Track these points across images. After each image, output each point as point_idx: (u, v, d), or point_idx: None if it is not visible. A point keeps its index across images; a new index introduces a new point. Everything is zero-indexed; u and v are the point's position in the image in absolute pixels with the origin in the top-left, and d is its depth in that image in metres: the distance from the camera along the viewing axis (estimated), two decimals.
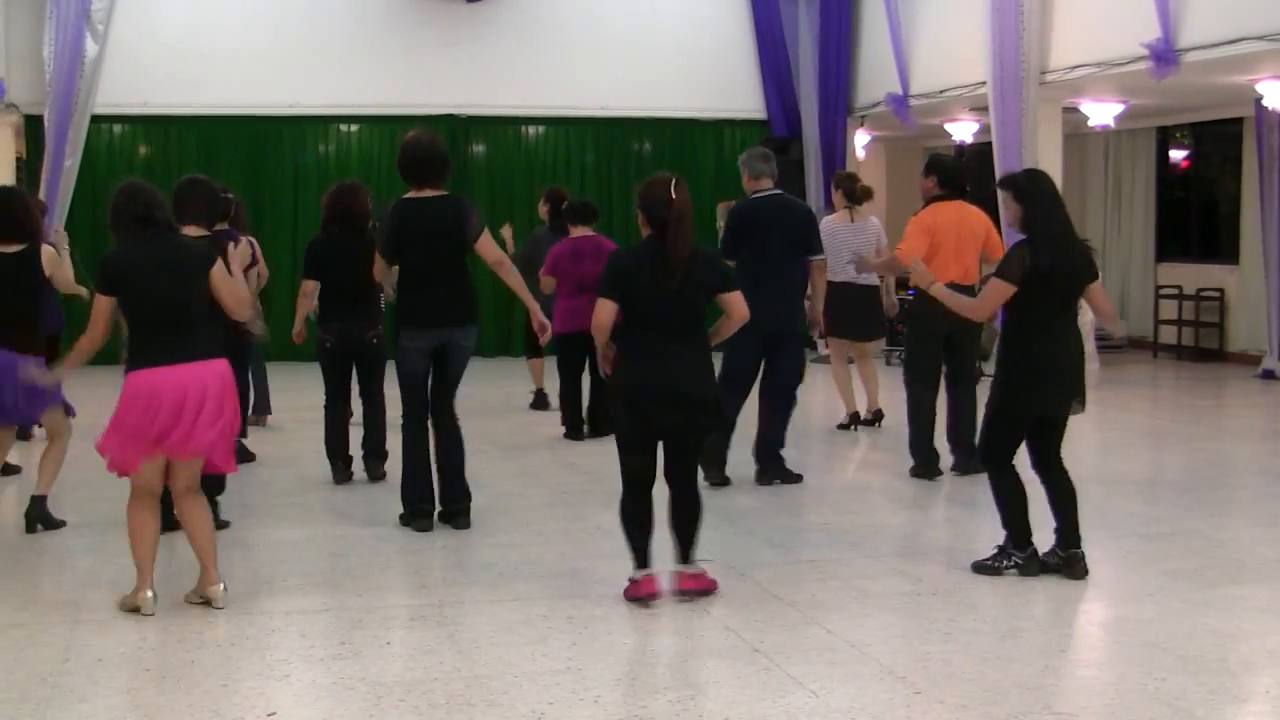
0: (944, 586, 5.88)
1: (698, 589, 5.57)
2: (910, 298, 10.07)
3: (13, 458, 8.33)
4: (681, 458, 5.56)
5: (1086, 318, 9.40)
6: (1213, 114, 14.63)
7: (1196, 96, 13.27)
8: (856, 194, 10.19)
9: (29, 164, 14.21)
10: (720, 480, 7.83)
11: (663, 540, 5.60)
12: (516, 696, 4.50)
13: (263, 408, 10.10)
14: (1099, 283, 5.96)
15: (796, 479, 8.01)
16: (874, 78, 15.30)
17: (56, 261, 6.94)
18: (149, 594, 5.41)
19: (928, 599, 5.69)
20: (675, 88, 15.80)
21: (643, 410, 5.40)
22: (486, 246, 6.76)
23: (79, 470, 7.52)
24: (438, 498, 6.92)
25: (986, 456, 6.10)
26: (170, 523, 5.75)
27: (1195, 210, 16.19)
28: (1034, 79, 12.23)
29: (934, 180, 8.29)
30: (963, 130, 15.23)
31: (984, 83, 12.68)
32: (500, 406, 11.16)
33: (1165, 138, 16.01)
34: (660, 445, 5.53)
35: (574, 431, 9.74)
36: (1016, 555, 5.92)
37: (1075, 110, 13.68)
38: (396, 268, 6.97)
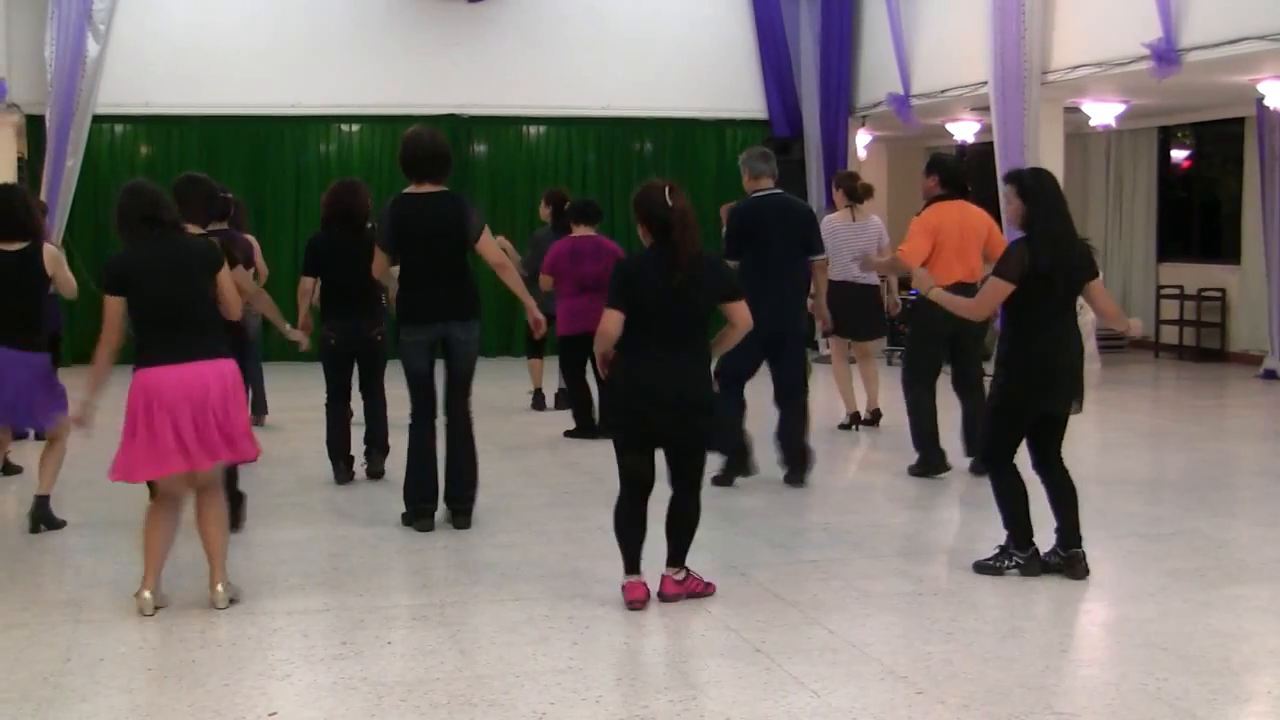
0: (945, 586, 5.89)
1: (682, 593, 5.56)
2: (913, 297, 10.07)
3: (13, 458, 8.34)
4: (680, 461, 5.55)
5: (1087, 317, 9.40)
6: (1214, 114, 14.63)
7: (1198, 96, 13.27)
8: (857, 192, 10.19)
9: (30, 164, 14.21)
10: (726, 480, 7.85)
11: (655, 543, 5.60)
12: (518, 696, 4.50)
13: (260, 407, 10.10)
14: (1099, 282, 5.95)
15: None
16: (875, 77, 15.30)
17: (58, 261, 6.93)
18: (147, 594, 5.42)
19: (929, 599, 5.69)
20: (677, 88, 15.81)
21: (641, 412, 5.39)
22: (488, 247, 6.75)
23: (80, 470, 7.53)
24: (442, 495, 6.92)
25: (987, 456, 6.10)
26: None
27: (1197, 210, 16.19)
28: (1035, 79, 12.23)
29: (935, 180, 8.29)
30: (964, 130, 15.23)
31: (985, 82, 12.68)
32: (503, 406, 11.17)
33: (1167, 138, 16.00)
34: (661, 449, 5.53)
35: (586, 431, 9.71)
36: (1018, 555, 5.93)
37: (1077, 110, 13.68)
38: (397, 268, 6.96)
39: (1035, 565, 5.89)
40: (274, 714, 4.39)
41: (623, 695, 4.60)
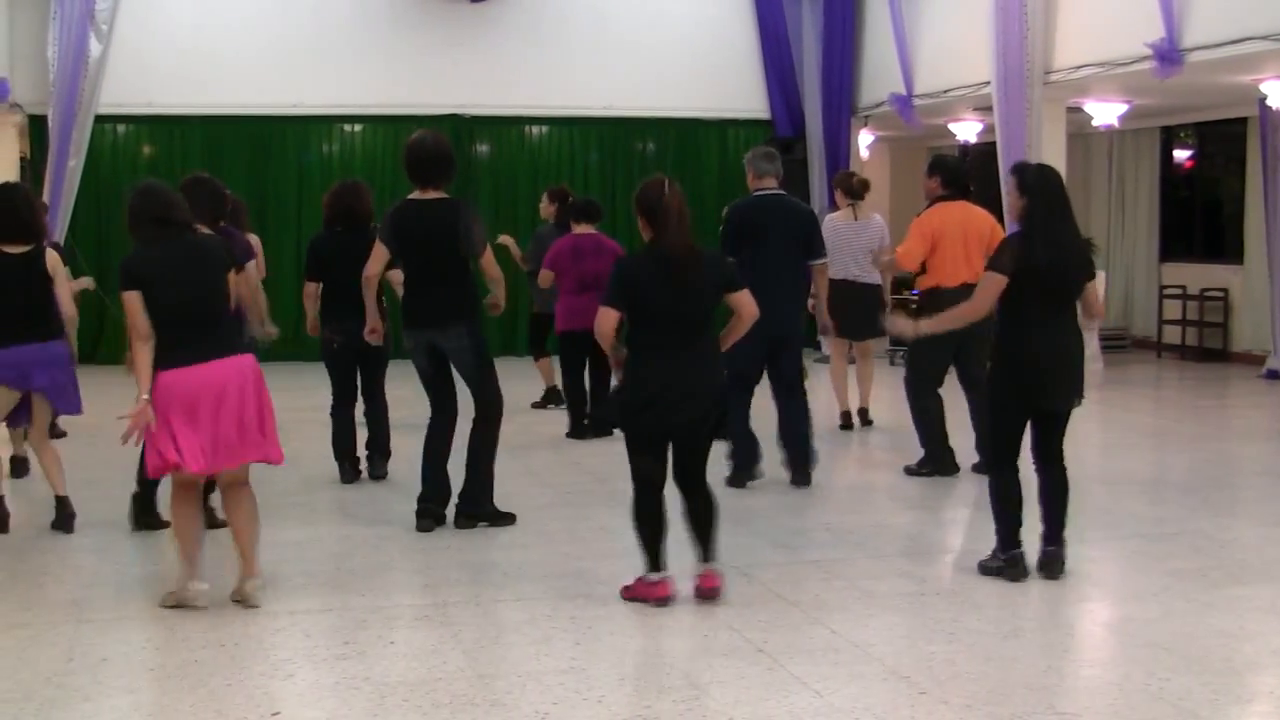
0: (948, 587, 5.89)
1: (723, 584, 5.56)
2: (914, 298, 10.07)
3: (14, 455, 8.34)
4: (691, 457, 5.55)
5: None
6: (1217, 114, 14.62)
7: (1200, 96, 13.26)
8: (855, 188, 10.19)
9: (33, 164, 14.22)
10: (738, 482, 7.85)
11: (676, 542, 5.60)
12: (520, 696, 4.51)
13: None
14: (1094, 282, 5.95)
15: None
16: (878, 78, 15.30)
17: (60, 270, 6.93)
18: (202, 585, 5.43)
19: (932, 599, 5.69)
20: (679, 88, 15.79)
21: (654, 411, 5.39)
22: (489, 264, 6.85)
23: (82, 470, 7.53)
24: (456, 493, 6.96)
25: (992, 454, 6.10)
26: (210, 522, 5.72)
27: (1199, 210, 16.18)
28: (1038, 79, 12.23)
29: (938, 180, 8.28)
30: (967, 130, 15.22)
31: (988, 83, 12.68)
32: (504, 406, 11.11)
33: (1169, 138, 15.99)
34: (671, 447, 5.53)
35: (576, 431, 9.74)
36: (1001, 556, 5.91)
37: (1079, 110, 13.67)
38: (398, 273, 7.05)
39: (1019, 568, 5.87)
40: (277, 714, 4.39)
41: (625, 695, 4.60)
